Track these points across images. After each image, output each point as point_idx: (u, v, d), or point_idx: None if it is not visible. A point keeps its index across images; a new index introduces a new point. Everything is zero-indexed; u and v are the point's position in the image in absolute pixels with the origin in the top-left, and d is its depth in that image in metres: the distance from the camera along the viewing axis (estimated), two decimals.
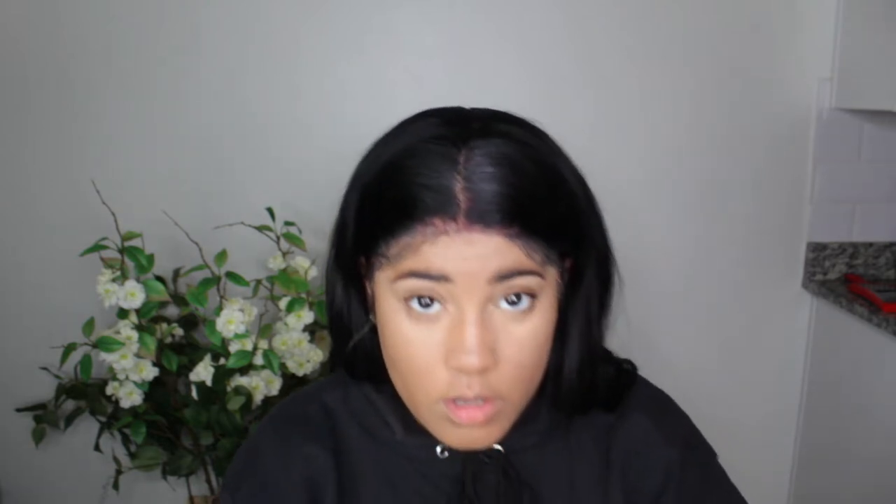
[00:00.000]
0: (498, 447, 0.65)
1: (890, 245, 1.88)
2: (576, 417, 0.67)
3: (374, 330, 0.63)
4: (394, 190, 0.55)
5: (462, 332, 0.55)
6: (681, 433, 0.71)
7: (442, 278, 0.54)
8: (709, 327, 1.91)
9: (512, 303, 0.56)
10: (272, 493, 0.65)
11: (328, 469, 0.66)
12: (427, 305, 0.56)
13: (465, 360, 0.54)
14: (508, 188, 0.53)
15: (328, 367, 0.78)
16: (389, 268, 0.56)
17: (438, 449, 0.65)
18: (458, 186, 0.53)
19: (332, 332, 0.68)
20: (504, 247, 0.53)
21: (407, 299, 0.56)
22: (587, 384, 0.64)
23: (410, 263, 0.54)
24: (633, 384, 0.70)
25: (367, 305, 0.64)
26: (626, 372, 0.70)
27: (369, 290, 0.62)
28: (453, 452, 0.65)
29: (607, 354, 0.69)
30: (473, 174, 0.53)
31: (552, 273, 0.57)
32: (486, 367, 0.55)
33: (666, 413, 0.72)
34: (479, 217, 0.53)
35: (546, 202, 0.55)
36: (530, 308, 0.56)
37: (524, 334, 0.57)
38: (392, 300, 0.57)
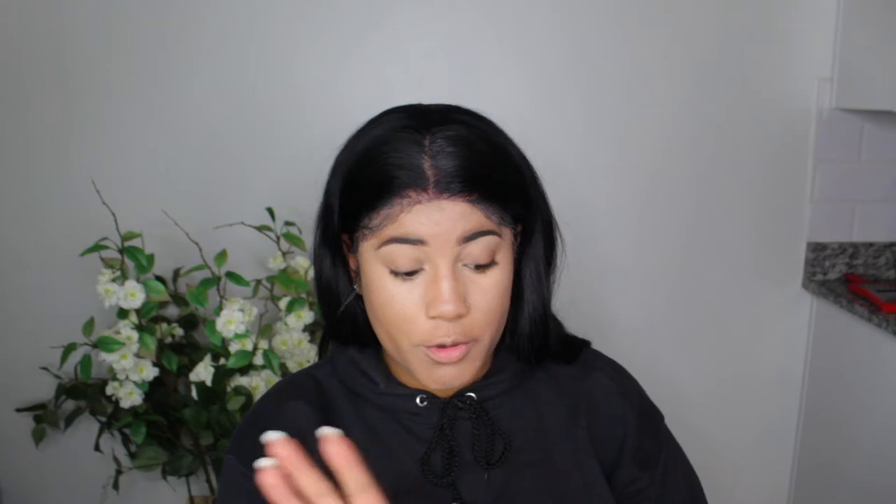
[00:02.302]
0: (471, 394, 0.74)
1: (890, 245, 1.88)
2: (539, 373, 0.79)
3: (357, 298, 0.74)
4: (372, 171, 0.65)
5: (438, 286, 0.65)
6: (635, 393, 0.82)
7: (419, 241, 0.64)
8: (708, 327, 1.91)
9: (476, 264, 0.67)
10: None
11: (313, 424, 0.72)
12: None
13: (442, 308, 0.64)
14: (466, 162, 0.64)
15: (318, 352, 0.86)
16: (373, 237, 0.66)
17: (418, 399, 0.74)
18: (426, 164, 0.64)
19: (321, 302, 0.77)
20: (468, 211, 0.64)
21: (389, 265, 0.66)
22: (541, 332, 0.75)
23: (391, 231, 0.64)
24: (587, 345, 0.82)
25: (350, 278, 0.74)
26: (578, 338, 0.82)
27: (353, 264, 0.73)
28: (431, 401, 0.74)
29: (559, 324, 0.81)
30: (437, 153, 0.64)
31: (507, 233, 0.68)
32: (461, 314, 0.65)
33: (623, 375, 0.83)
34: (446, 187, 0.63)
35: (498, 173, 0.66)
36: (491, 263, 0.67)
37: (488, 284, 0.67)
38: (377, 265, 0.67)
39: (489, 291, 0.67)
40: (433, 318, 0.66)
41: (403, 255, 0.65)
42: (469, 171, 0.64)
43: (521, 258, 0.73)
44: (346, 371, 0.77)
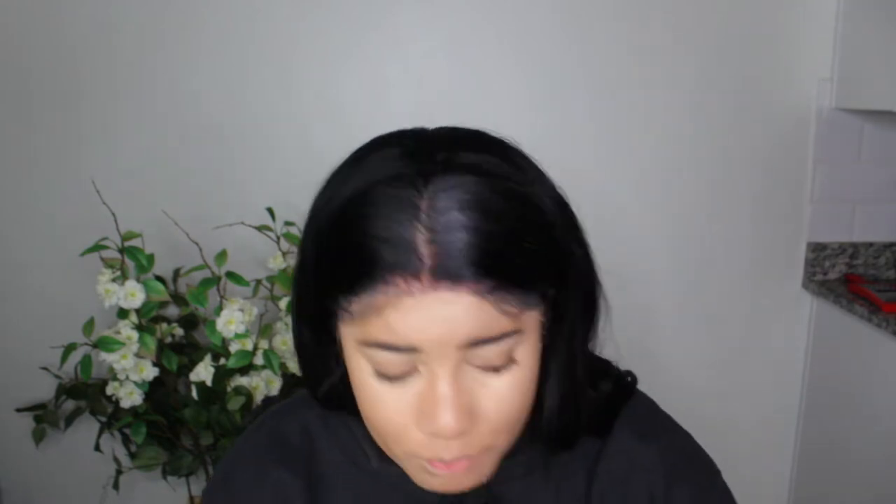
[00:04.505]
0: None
1: (890, 245, 1.88)
2: (565, 457, 0.62)
3: (345, 372, 0.57)
4: (349, 243, 0.49)
5: (434, 397, 0.50)
6: (671, 454, 0.64)
7: (409, 349, 0.49)
8: (709, 327, 1.91)
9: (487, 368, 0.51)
10: None
11: (297, 495, 0.64)
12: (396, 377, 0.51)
13: (439, 425, 0.50)
14: (479, 237, 0.47)
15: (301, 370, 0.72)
16: (354, 326, 0.50)
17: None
18: (421, 238, 0.47)
19: (304, 371, 0.63)
20: (475, 306, 0.48)
21: (375, 366, 0.51)
22: (570, 420, 0.59)
23: (376, 330, 0.49)
24: (628, 401, 0.65)
25: (338, 349, 0.56)
26: (620, 391, 0.64)
27: (338, 337, 0.55)
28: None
29: (605, 367, 0.64)
30: (437, 223, 0.47)
31: (533, 318, 0.52)
32: (464, 431, 0.50)
33: (657, 432, 0.65)
34: (447, 274, 0.47)
35: (522, 245, 0.49)
36: (509, 363, 0.51)
37: (504, 387, 0.51)
38: (360, 360, 0.52)
39: (504, 396, 0.52)
40: (429, 434, 0.51)
41: (391, 361, 0.50)
42: (481, 250, 0.47)
43: (551, 332, 0.55)
44: (338, 433, 0.65)
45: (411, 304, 0.47)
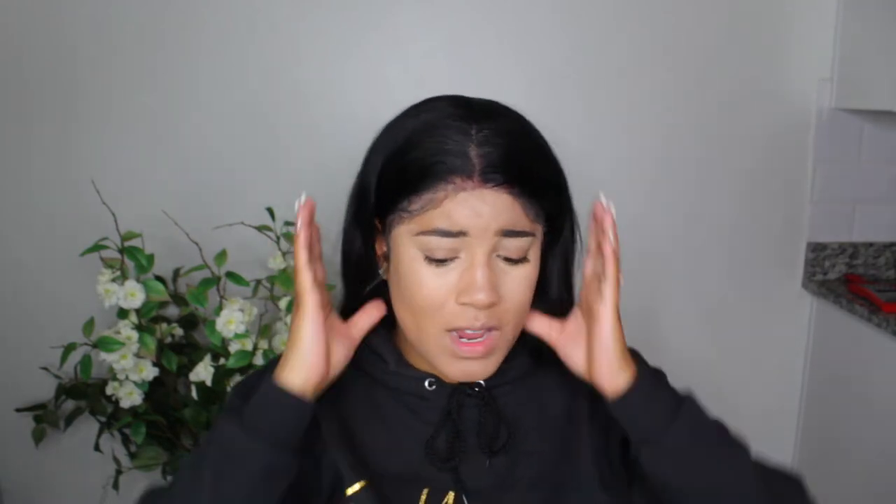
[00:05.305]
0: (480, 381, 0.75)
1: (890, 245, 1.88)
2: (547, 365, 0.78)
3: (381, 283, 0.75)
4: (419, 154, 0.66)
5: (473, 274, 0.66)
6: None
7: (461, 233, 0.65)
8: (709, 327, 1.91)
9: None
10: None
11: (321, 397, 0.72)
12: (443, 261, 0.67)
13: (476, 296, 0.66)
14: (512, 154, 0.66)
15: None
16: (411, 221, 0.67)
17: (427, 382, 0.75)
18: (474, 152, 0.65)
19: (348, 281, 0.77)
20: (509, 203, 0.65)
21: (425, 252, 0.67)
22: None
23: (434, 217, 0.65)
24: None
25: (377, 261, 0.75)
26: None
27: (379, 249, 0.73)
28: (440, 386, 0.75)
29: None
30: (484, 143, 0.65)
31: (539, 231, 0.70)
32: (493, 303, 0.66)
33: None
34: (490, 177, 0.65)
35: (539, 169, 0.69)
36: (523, 259, 0.69)
37: (519, 276, 0.69)
38: (412, 249, 0.67)
39: (519, 282, 0.69)
40: (464, 304, 0.67)
41: (442, 246, 0.66)
42: (513, 163, 0.66)
43: (547, 254, 0.74)
44: (357, 349, 0.76)
45: (464, 197, 0.65)
